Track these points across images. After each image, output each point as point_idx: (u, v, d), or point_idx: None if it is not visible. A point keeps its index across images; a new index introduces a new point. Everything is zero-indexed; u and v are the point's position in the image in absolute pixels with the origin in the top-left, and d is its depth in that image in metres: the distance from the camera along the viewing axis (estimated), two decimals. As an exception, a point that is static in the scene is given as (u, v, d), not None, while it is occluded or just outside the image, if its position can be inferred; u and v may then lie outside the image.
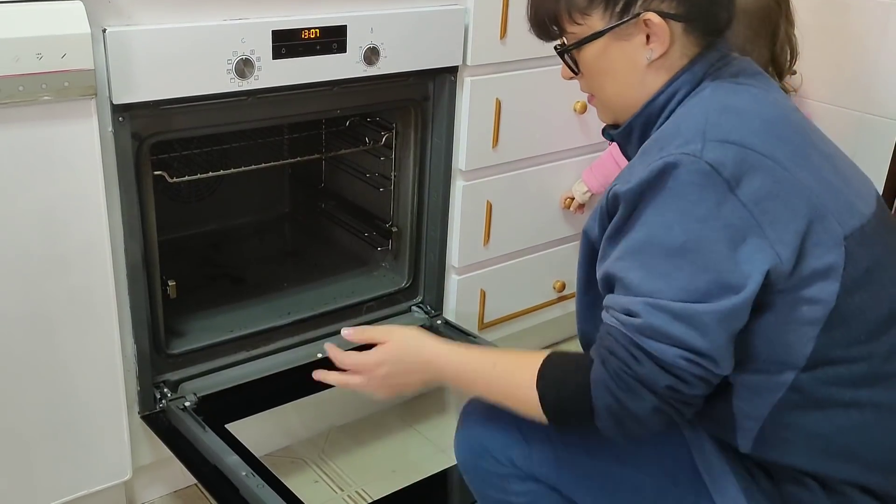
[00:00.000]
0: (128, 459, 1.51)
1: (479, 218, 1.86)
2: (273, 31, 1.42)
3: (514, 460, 1.12)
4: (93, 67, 1.25)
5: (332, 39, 1.49)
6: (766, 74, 1.07)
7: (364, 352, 1.14)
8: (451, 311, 1.90)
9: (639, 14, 0.99)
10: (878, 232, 0.98)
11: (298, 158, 1.99)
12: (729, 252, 0.90)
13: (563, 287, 2.07)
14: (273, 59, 1.43)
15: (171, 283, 1.64)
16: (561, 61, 1.09)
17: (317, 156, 2.04)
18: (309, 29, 1.46)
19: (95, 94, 1.27)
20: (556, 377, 0.99)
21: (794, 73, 1.77)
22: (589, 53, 1.04)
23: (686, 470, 1.03)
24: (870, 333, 0.95)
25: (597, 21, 1.01)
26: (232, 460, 1.39)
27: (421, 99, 1.72)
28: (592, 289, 1.05)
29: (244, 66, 1.41)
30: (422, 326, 1.84)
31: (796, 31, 1.72)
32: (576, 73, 1.08)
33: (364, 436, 1.88)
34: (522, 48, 1.75)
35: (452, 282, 1.89)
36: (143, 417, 1.53)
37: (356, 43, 1.52)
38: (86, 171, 1.31)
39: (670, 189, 0.91)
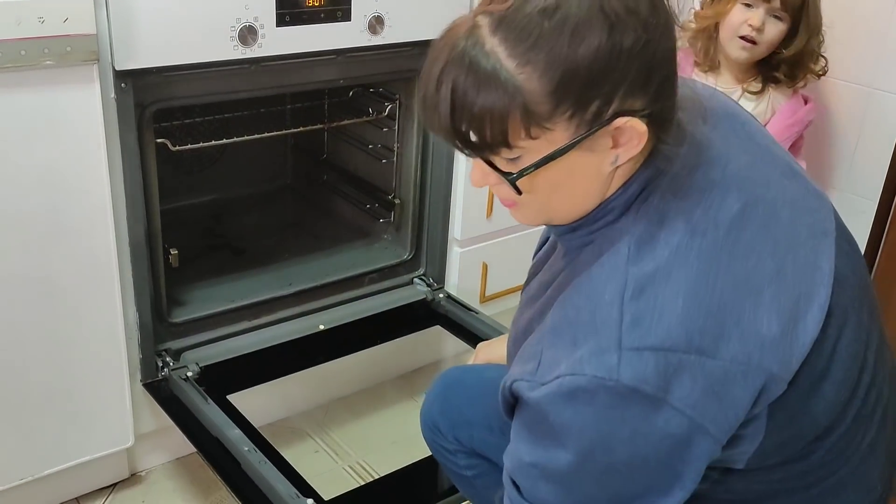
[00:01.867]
0: (130, 426, 1.52)
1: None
2: (277, -2, 1.41)
3: (459, 439, 1.17)
4: (95, 32, 1.24)
5: (336, 7, 1.48)
6: (706, 165, 0.87)
7: None
8: (452, 284, 1.90)
9: (612, 119, 0.77)
10: (820, 347, 0.86)
11: (301, 129, 1.98)
12: (666, 462, 0.81)
13: (565, 261, 2.06)
14: (277, 26, 1.42)
15: (173, 251, 1.63)
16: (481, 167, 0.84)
17: (319, 126, 2.03)
18: (313, -4, 1.45)
19: (98, 60, 1.26)
20: None
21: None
22: (544, 173, 0.80)
23: None
24: (787, 457, 0.90)
25: (559, 133, 0.77)
26: (234, 434, 1.39)
27: (425, 70, 1.70)
28: None
29: (247, 34, 1.39)
30: (423, 300, 1.85)
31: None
32: (518, 193, 0.83)
33: (364, 407, 1.89)
34: (528, 19, 1.73)
35: (454, 254, 1.89)
36: (145, 385, 1.54)
37: (361, 11, 1.51)
38: (88, 137, 1.30)
39: (587, 414, 0.80)
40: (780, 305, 0.83)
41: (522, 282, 2.17)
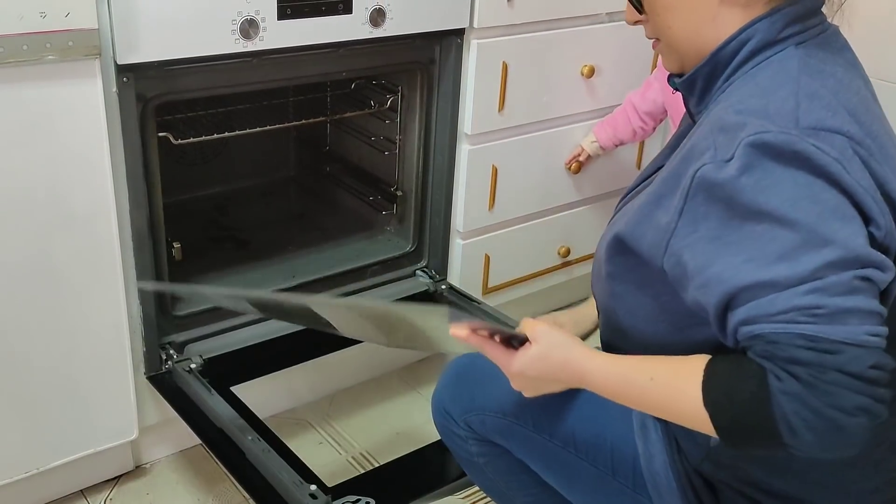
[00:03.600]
0: (134, 419, 1.53)
1: (484, 182, 1.85)
2: (278, -9, 1.41)
3: (470, 425, 1.16)
4: (97, 27, 1.24)
5: (337, 0, 1.48)
6: (851, 49, 0.96)
7: (509, 351, 1.00)
8: (455, 276, 1.91)
9: None
10: None
11: (303, 121, 1.99)
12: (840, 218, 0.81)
13: (568, 252, 2.07)
14: (278, 19, 1.42)
15: (176, 245, 1.64)
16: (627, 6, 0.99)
17: (322, 118, 2.03)
18: (314, -11, 1.45)
19: (100, 54, 1.27)
20: (725, 392, 0.83)
21: None
22: None
23: (629, 470, 1.03)
24: None
25: None
26: (238, 424, 1.40)
27: (427, 62, 1.71)
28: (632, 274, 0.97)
29: (249, 27, 1.39)
30: (425, 291, 1.85)
31: None
32: (640, 12, 0.97)
33: (368, 399, 1.90)
34: (530, 11, 1.73)
35: (457, 246, 1.89)
36: (149, 378, 1.54)
37: (362, 4, 1.50)
38: (91, 131, 1.31)
39: (777, 167, 0.81)
40: None
41: (524, 274, 2.17)
